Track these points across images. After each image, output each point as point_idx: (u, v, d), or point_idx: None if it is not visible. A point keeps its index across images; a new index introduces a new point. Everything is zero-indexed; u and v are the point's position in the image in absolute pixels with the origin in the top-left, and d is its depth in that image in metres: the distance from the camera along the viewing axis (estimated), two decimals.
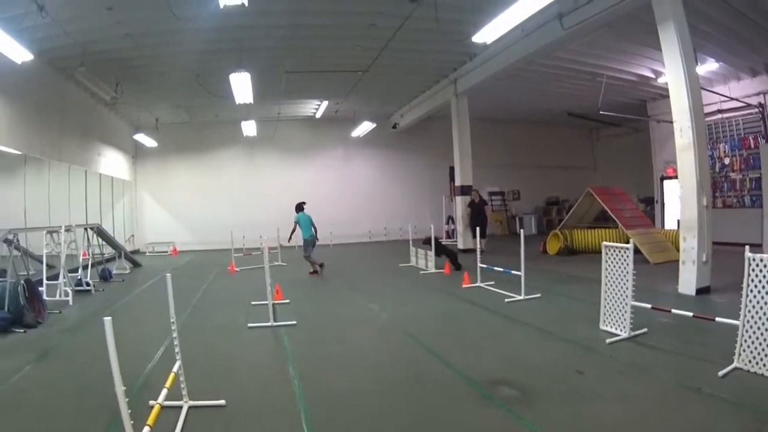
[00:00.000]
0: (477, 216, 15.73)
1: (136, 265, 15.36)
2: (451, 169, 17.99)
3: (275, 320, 7.27)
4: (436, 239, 12.73)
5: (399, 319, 7.47)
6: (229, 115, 19.50)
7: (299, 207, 12.74)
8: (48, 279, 9.48)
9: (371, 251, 17.99)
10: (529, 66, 13.63)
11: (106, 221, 16.82)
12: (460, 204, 16.66)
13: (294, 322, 7.27)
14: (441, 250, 12.53)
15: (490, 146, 21.51)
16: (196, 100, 17.08)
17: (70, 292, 9.49)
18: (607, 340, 5.59)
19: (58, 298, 9.31)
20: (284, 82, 14.92)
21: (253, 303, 8.69)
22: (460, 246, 16.60)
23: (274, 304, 7.50)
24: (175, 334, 4.16)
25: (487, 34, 9.05)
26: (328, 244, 19.96)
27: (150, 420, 3.23)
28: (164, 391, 3.74)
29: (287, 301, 8.84)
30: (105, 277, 12.43)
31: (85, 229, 12.33)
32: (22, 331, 7.20)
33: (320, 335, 6.80)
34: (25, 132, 11.77)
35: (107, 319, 2.68)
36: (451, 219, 20.79)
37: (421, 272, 12.20)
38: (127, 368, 2.76)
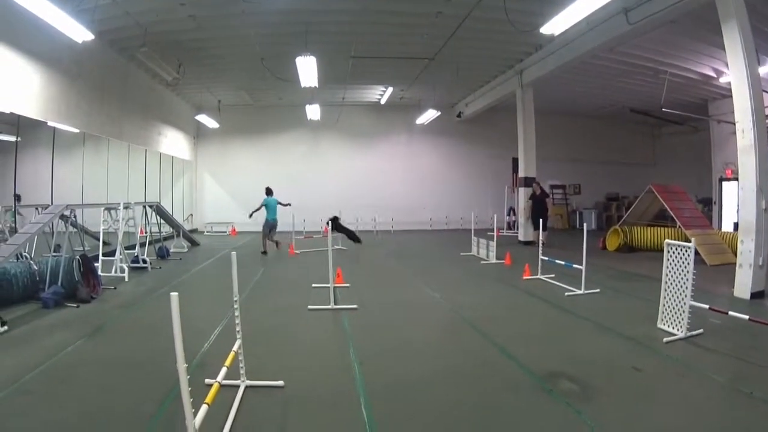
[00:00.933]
0: (538, 208, 15.24)
1: (194, 244, 15.39)
2: (514, 161, 17.43)
3: (336, 303, 7.09)
4: (336, 219, 14.04)
5: (460, 307, 7.29)
6: (292, 99, 19.32)
7: (268, 191, 13.79)
8: (104, 255, 9.50)
9: (432, 239, 17.67)
10: (594, 59, 13.32)
11: (165, 200, 16.95)
12: (522, 195, 16.06)
13: (355, 306, 7.08)
14: (339, 229, 13.94)
15: (552, 139, 20.51)
16: (259, 82, 16.85)
17: (126, 269, 9.44)
18: (665, 339, 5.52)
19: (113, 274, 9.29)
20: (350, 66, 14.59)
21: (313, 285, 8.48)
22: (521, 238, 16.00)
23: (335, 287, 7.31)
24: (237, 313, 4.01)
25: (555, 25, 8.82)
26: (390, 231, 19.67)
27: (209, 398, 3.01)
28: (223, 370, 3.48)
29: (348, 284, 8.59)
30: (162, 255, 12.41)
31: (144, 206, 12.33)
32: (75, 306, 7.11)
33: (381, 320, 6.65)
34: (84, 110, 11.76)
35: (173, 295, 2.53)
36: (512, 210, 20.26)
37: (482, 262, 11.87)
38: (184, 346, 2.56)
